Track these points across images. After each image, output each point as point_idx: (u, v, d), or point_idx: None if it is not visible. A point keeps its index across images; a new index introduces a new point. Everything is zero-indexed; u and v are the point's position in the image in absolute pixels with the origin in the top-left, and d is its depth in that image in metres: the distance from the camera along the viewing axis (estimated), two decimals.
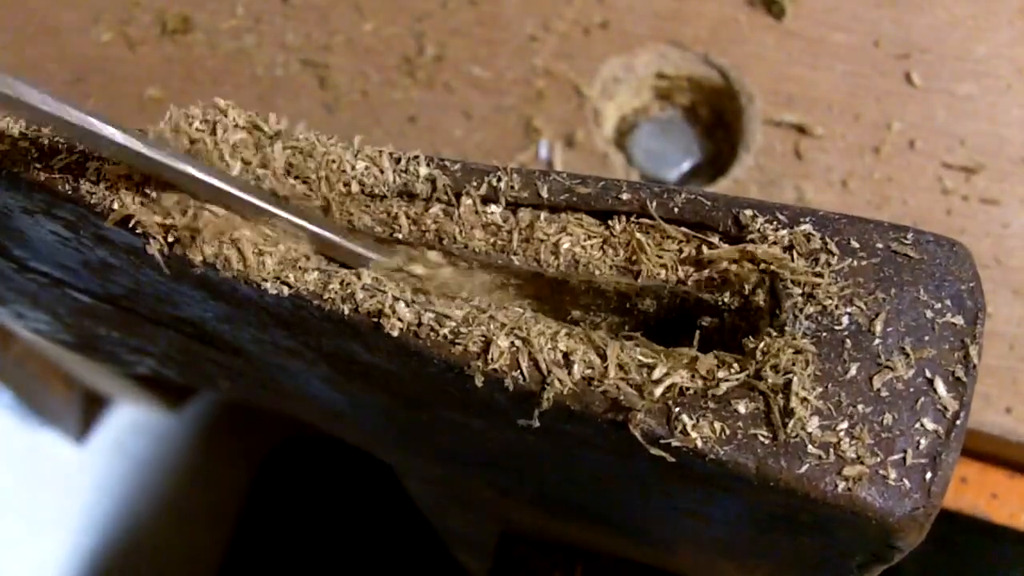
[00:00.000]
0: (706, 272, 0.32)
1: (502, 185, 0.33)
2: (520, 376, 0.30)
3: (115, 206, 0.31)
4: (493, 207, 0.33)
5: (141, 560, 0.91)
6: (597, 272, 0.32)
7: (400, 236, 0.33)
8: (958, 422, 0.29)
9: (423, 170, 0.33)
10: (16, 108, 0.28)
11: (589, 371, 0.30)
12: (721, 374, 0.30)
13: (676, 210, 0.32)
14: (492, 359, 0.30)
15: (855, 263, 0.31)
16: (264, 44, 0.56)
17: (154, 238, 0.31)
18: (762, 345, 0.30)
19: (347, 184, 0.33)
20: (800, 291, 0.30)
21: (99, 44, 0.56)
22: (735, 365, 0.30)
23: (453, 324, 0.31)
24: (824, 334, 0.30)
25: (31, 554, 0.90)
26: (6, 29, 0.57)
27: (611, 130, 0.55)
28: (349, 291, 0.31)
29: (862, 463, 0.28)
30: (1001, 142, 0.53)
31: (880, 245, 0.31)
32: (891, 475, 0.28)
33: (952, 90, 0.54)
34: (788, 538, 0.32)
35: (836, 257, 0.31)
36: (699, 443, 0.29)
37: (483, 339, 0.31)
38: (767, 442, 0.29)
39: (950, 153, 0.52)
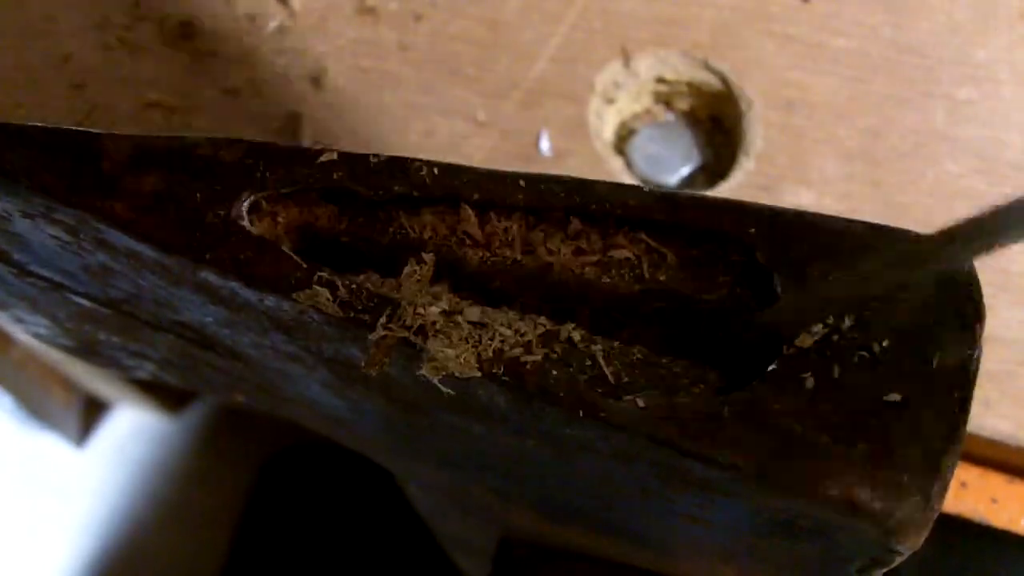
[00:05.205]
0: (708, 276, 0.32)
1: (502, 190, 0.33)
2: (519, 380, 0.30)
3: None
4: (492, 213, 0.33)
5: (140, 565, 0.91)
6: (599, 277, 0.32)
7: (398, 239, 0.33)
8: (958, 426, 0.29)
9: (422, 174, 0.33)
10: None
11: (589, 375, 0.30)
12: (719, 378, 0.30)
13: (677, 215, 0.32)
14: (491, 363, 0.30)
15: (854, 267, 0.31)
16: (264, 48, 0.56)
17: None
18: (762, 347, 0.30)
19: None
20: (800, 295, 0.30)
21: (99, 49, 0.57)
22: (734, 368, 0.30)
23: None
24: (824, 338, 0.30)
25: (30, 559, 0.90)
26: (6, 34, 0.57)
27: (611, 135, 0.55)
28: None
29: (861, 466, 0.28)
30: (1001, 146, 0.53)
31: (879, 248, 0.31)
32: (891, 479, 0.28)
33: (952, 94, 0.54)
34: (788, 542, 0.32)
35: (836, 261, 0.31)
36: (699, 447, 0.29)
37: (483, 341, 0.31)
38: (767, 446, 0.29)
39: (950, 157, 0.52)
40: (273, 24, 0.57)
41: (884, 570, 0.31)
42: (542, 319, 0.32)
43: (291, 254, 0.32)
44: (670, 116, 0.56)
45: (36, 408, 0.90)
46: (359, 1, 0.57)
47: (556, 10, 0.56)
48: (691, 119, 0.56)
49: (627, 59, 0.55)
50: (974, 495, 0.50)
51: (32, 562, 0.90)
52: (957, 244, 0.24)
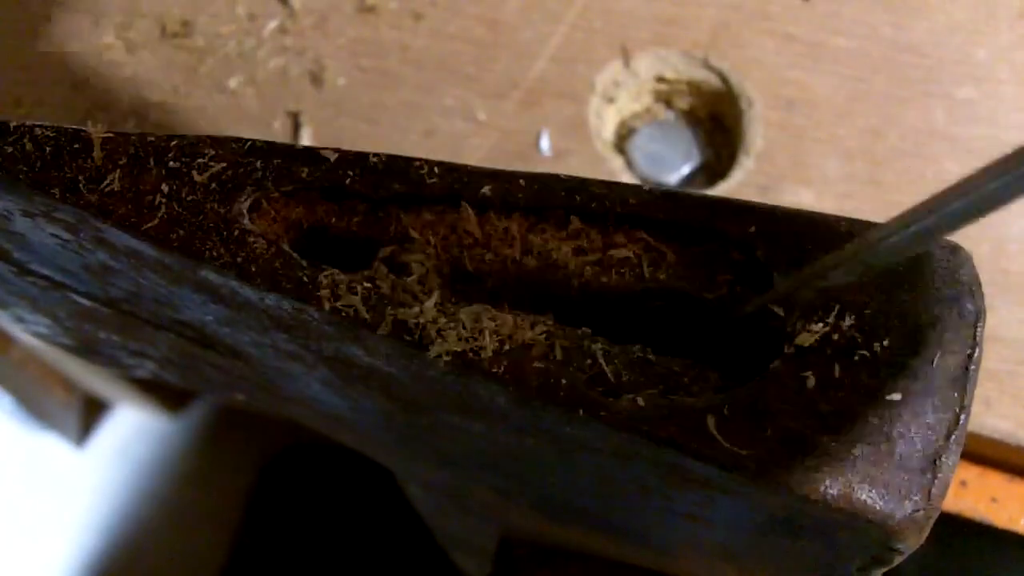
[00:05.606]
0: (708, 275, 0.32)
1: (501, 190, 0.33)
2: (519, 379, 0.30)
3: None
4: (492, 212, 0.33)
5: (141, 565, 0.91)
6: (599, 276, 0.32)
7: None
8: (958, 425, 0.29)
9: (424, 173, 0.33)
10: None
11: (589, 374, 0.30)
12: (719, 378, 0.30)
13: (677, 213, 0.32)
14: (490, 360, 0.30)
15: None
16: (264, 47, 0.56)
17: None
18: (762, 347, 0.30)
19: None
20: (801, 294, 0.30)
21: (99, 47, 0.57)
22: (734, 368, 0.30)
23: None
24: (824, 338, 0.30)
25: (30, 559, 0.90)
26: (6, 33, 0.57)
27: (611, 134, 0.55)
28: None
29: (862, 465, 0.28)
30: (1001, 146, 0.53)
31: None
32: (891, 478, 0.28)
33: (952, 94, 0.54)
34: (788, 541, 0.32)
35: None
36: (699, 446, 0.29)
37: (483, 340, 0.31)
38: (767, 445, 0.29)
39: (950, 157, 0.52)
40: (273, 23, 0.57)
41: (884, 569, 0.31)
42: (542, 319, 0.32)
43: (291, 253, 0.32)
44: (670, 115, 0.56)
45: (36, 408, 0.90)
46: (359, 0, 0.57)
47: (556, 10, 0.56)
48: (691, 118, 0.56)
49: (627, 58, 0.55)
50: (974, 494, 0.50)
51: (32, 562, 0.90)
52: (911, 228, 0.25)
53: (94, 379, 0.77)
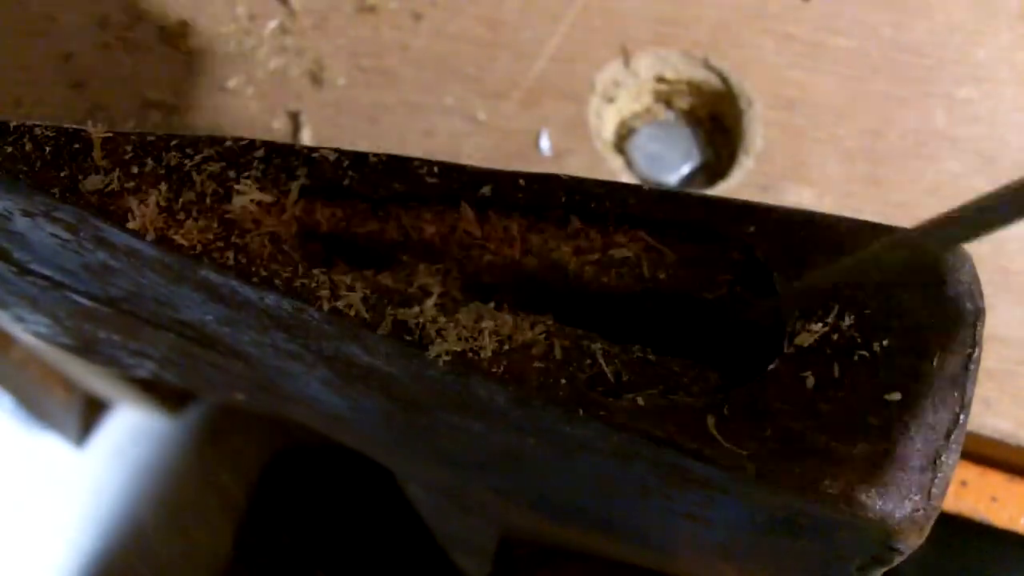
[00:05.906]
0: (708, 274, 0.32)
1: (501, 190, 0.33)
2: (519, 379, 0.30)
3: None
4: (492, 212, 0.33)
5: (141, 564, 0.91)
6: (599, 276, 0.32)
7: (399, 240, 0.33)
8: (958, 425, 0.29)
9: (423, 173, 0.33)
10: None
11: (589, 374, 0.30)
12: (719, 378, 0.30)
13: (676, 213, 0.32)
14: (490, 360, 0.30)
15: (854, 266, 0.31)
16: (264, 47, 0.56)
17: None
18: (762, 347, 0.30)
19: None
20: (802, 294, 0.30)
21: (99, 48, 0.57)
22: (734, 368, 0.30)
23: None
24: (824, 338, 0.30)
25: (30, 558, 0.90)
26: (6, 32, 0.57)
27: (611, 134, 0.55)
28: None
29: (861, 466, 0.28)
30: (1001, 146, 0.53)
31: (879, 248, 0.31)
32: (891, 478, 0.28)
33: (952, 94, 0.54)
34: (788, 541, 0.32)
35: (836, 261, 0.31)
36: (699, 446, 0.29)
37: (483, 340, 0.31)
38: (767, 445, 0.29)
39: (950, 157, 0.52)
40: (273, 23, 0.57)
41: (884, 569, 0.31)
42: (542, 319, 0.32)
43: (291, 252, 0.32)
44: (670, 115, 0.56)
45: (36, 408, 0.90)
46: (359, 0, 0.57)
47: (556, 9, 0.56)
48: (691, 118, 0.56)
49: (627, 58, 0.55)
50: (974, 494, 0.50)
51: (32, 562, 0.90)
52: (948, 228, 0.25)
53: (94, 379, 0.77)
